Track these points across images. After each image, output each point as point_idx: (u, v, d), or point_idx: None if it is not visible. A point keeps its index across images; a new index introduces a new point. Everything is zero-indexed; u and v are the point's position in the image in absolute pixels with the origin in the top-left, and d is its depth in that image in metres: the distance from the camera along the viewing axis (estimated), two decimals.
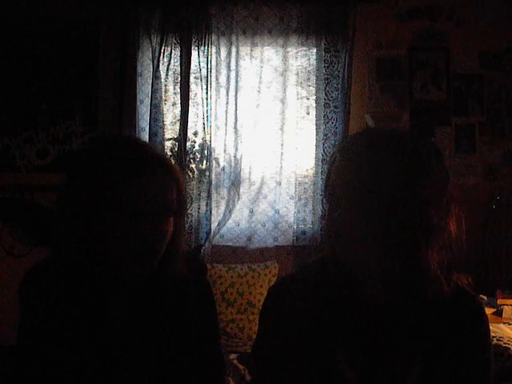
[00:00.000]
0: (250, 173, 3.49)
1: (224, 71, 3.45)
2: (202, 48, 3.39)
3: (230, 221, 3.50)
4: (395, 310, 1.04)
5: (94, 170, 1.09)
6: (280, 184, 3.52)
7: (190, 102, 3.40)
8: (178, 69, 3.40)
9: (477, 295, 1.13)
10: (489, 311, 2.91)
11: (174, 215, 1.13)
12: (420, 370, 1.02)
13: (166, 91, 3.42)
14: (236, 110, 3.44)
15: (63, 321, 1.11)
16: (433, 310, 1.05)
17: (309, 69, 3.48)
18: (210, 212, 3.44)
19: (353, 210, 0.98)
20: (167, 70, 3.41)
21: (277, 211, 3.53)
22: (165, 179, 1.11)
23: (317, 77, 3.48)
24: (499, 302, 2.98)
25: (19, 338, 1.16)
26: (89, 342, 1.12)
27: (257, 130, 3.48)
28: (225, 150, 3.47)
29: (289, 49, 3.48)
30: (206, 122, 3.42)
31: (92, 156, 1.13)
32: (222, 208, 3.48)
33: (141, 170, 1.08)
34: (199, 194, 3.45)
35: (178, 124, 3.42)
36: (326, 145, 3.46)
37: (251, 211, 3.51)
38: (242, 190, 3.48)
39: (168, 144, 3.45)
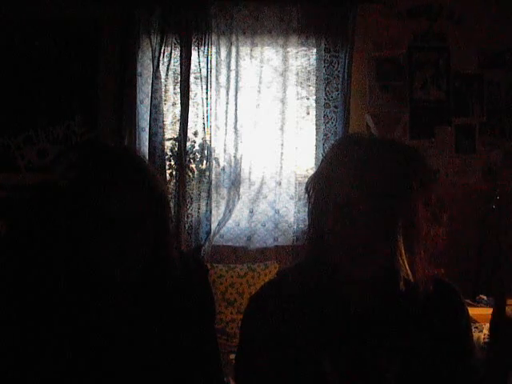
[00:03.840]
0: (250, 173, 3.49)
1: (224, 71, 3.45)
2: (202, 48, 3.39)
3: (230, 221, 3.50)
4: (378, 308, 1.05)
5: (64, 178, 1.11)
6: (280, 184, 3.52)
7: (190, 101, 3.40)
8: (178, 69, 3.40)
9: (454, 283, 1.14)
10: (489, 311, 2.90)
11: (149, 218, 1.12)
12: (400, 366, 1.03)
13: (166, 91, 3.42)
14: (236, 110, 3.44)
15: (60, 322, 1.11)
16: (415, 305, 1.05)
17: (309, 69, 3.48)
18: (210, 212, 3.44)
19: (342, 209, 0.99)
20: (167, 70, 3.41)
21: (277, 211, 3.53)
22: (133, 179, 1.10)
23: (317, 77, 3.48)
24: None
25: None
26: (86, 344, 1.11)
27: (257, 130, 3.48)
28: (225, 150, 3.47)
29: (289, 49, 3.48)
30: (206, 122, 3.42)
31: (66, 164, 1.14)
32: (222, 208, 3.48)
33: (104, 177, 1.07)
34: (199, 194, 3.45)
35: (177, 124, 3.42)
36: (325, 145, 3.46)
37: (251, 211, 3.52)
38: (241, 190, 3.48)
39: (168, 144, 3.45)
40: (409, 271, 1.00)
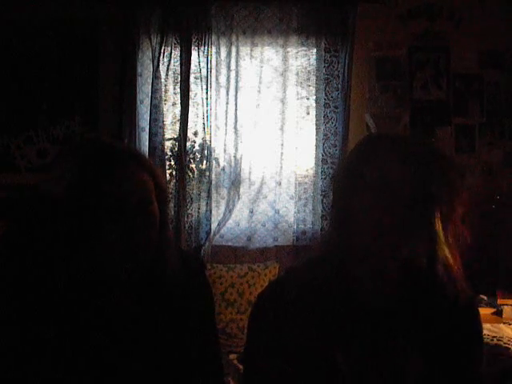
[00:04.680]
0: (250, 173, 3.49)
1: (224, 71, 3.45)
2: (202, 48, 3.39)
3: (230, 221, 3.50)
4: (393, 307, 1.05)
5: (68, 173, 1.09)
6: (280, 184, 3.52)
7: (190, 101, 3.40)
8: (178, 69, 3.40)
9: (472, 292, 1.14)
10: (489, 311, 2.91)
11: (155, 204, 1.12)
12: (418, 368, 1.03)
13: (166, 91, 3.42)
14: (236, 110, 3.44)
15: (60, 321, 1.11)
16: (429, 307, 1.05)
17: (309, 69, 3.48)
18: (210, 212, 3.44)
19: (372, 207, 0.99)
20: (167, 70, 3.41)
21: (277, 211, 3.53)
22: (137, 171, 1.11)
23: (317, 77, 3.48)
24: (499, 301, 2.98)
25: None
26: (87, 343, 1.11)
27: (257, 130, 3.48)
28: (225, 150, 3.47)
29: (289, 49, 3.48)
30: (205, 122, 3.42)
31: (65, 158, 1.13)
32: (222, 208, 3.48)
33: (110, 166, 1.08)
34: (199, 194, 3.45)
35: (177, 124, 3.42)
36: (326, 145, 3.46)
37: (251, 211, 3.51)
38: (241, 190, 3.48)
39: (168, 144, 3.45)
40: (450, 257, 1.00)
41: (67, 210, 1.07)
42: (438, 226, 0.98)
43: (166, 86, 3.42)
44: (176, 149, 3.42)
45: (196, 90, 3.43)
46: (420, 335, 1.04)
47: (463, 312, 1.09)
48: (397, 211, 0.96)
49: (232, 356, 2.87)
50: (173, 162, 3.45)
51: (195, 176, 3.47)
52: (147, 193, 1.11)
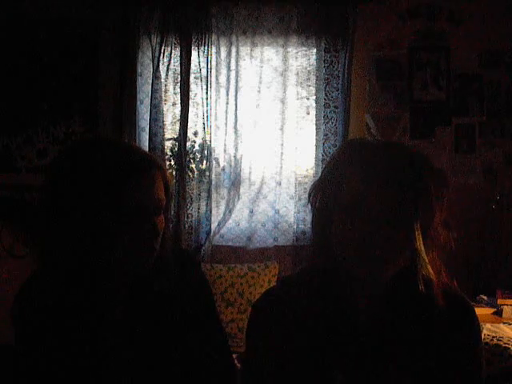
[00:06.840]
0: (250, 173, 3.49)
1: (224, 71, 3.45)
2: (202, 48, 3.39)
3: (230, 221, 3.50)
4: (382, 326, 1.03)
5: (87, 174, 1.06)
6: (280, 184, 3.52)
7: (190, 101, 3.40)
8: (178, 69, 3.40)
9: (466, 297, 1.11)
10: (489, 311, 2.91)
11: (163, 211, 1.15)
12: (413, 379, 1.01)
13: (166, 91, 3.42)
14: (236, 110, 3.44)
15: (59, 330, 1.11)
16: (425, 318, 1.03)
17: (309, 69, 3.48)
18: (210, 212, 3.44)
19: (347, 216, 0.97)
20: (167, 70, 3.41)
21: (277, 211, 3.53)
22: (156, 178, 1.12)
23: (317, 77, 3.48)
24: (499, 301, 2.98)
25: (16, 358, 1.16)
26: (85, 348, 1.11)
27: (257, 130, 3.48)
28: (225, 150, 3.47)
29: (289, 49, 3.48)
30: (206, 122, 3.42)
31: (81, 159, 1.10)
32: (222, 208, 3.48)
33: (138, 170, 1.09)
34: (199, 194, 3.45)
35: (177, 124, 3.42)
36: (326, 145, 3.46)
37: (251, 211, 3.51)
38: (242, 190, 3.48)
39: (168, 144, 3.46)
40: (430, 270, 0.97)
41: (85, 211, 1.06)
42: (419, 241, 0.94)
43: (166, 85, 3.42)
44: (176, 149, 3.42)
45: (196, 90, 3.43)
46: (411, 354, 1.02)
47: (457, 322, 1.05)
48: (373, 232, 0.93)
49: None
50: (173, 162, 3.45)
51: (195, 176, 3.47)
52: (160, 200, 1.13)
